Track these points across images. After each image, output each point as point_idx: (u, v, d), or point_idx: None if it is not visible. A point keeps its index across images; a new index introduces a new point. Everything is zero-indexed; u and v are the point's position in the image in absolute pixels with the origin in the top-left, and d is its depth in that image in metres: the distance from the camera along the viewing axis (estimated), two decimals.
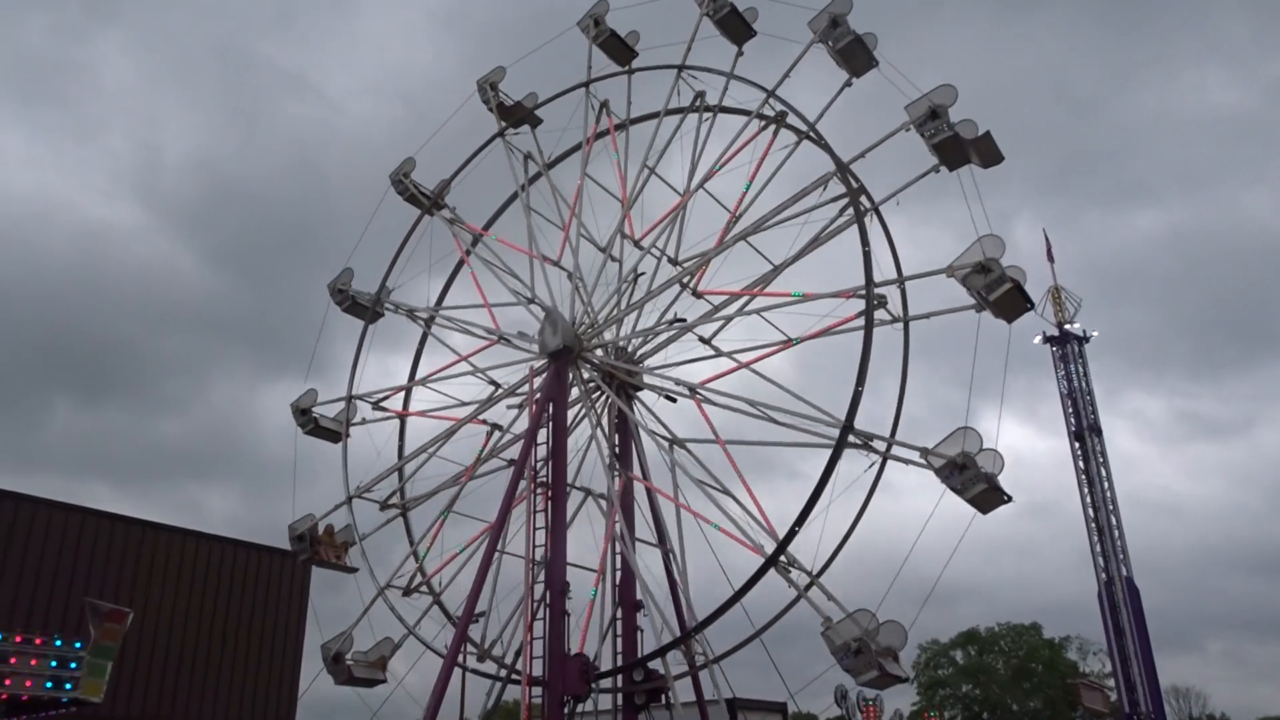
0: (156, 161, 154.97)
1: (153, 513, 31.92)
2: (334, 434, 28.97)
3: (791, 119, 24.92)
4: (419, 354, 30.31)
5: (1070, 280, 67.97)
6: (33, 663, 11.26)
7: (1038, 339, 65.22)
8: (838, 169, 23.23)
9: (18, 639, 11.41)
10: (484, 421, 28.02)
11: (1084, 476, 62.04)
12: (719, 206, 26.12)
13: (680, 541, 24.61)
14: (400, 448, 29.43)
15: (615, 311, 26.86)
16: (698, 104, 27.11)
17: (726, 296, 25.70)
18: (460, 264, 30.29)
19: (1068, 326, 65.44)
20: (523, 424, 26.66)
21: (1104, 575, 59.73)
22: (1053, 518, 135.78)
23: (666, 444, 24.99)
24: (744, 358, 25.29)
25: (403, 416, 29.59)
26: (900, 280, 22.93)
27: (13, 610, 26.74)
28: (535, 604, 22.62)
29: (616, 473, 26.00)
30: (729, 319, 25.55)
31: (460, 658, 24.45)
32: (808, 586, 20.43)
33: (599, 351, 26.72)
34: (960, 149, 21.60)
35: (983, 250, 20.15)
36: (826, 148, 23.65)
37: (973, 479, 18.87)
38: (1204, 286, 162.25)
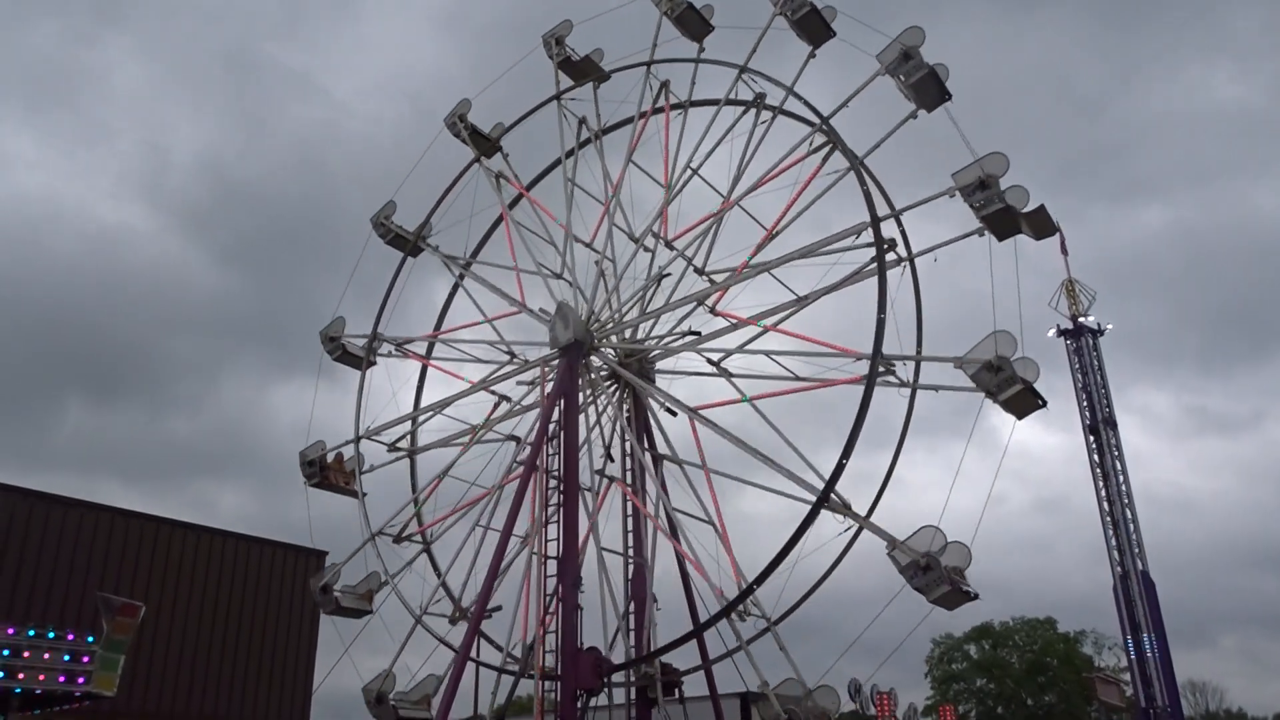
0: (165, 163, 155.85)
1: (165, 511, 32.07)
2: (357, 360, 29.51)
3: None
4: (448, 302, 30.55)
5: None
6: (45, 656, 11.31)
7: (1052, 332, 64.86)
8: (871, 220, 22.30)
9: (30, 633, 11.45)
10: (493, 392, 28.22)
11: (1099, 470, 61.74)
12: (752, 220, 25.61)
13: (652, 553, 24.63)
14: (418, 394, 29.75)
15: (632, 314, 26.70)
16: (757, 103, 26.09)
17: (741, 322, 25.23)
18: (499, 220, 30.27)
19: (1082, 319, 65.06)
20: (529, 401, 26.84)
21: (1119, 569, 59.43)
22: (1062, 513, 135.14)
23: (655, 461, 25.16)
24: (749, 384, 24.82)
25: (425, 363, 29.84)
26: (917, 357, 22.03)
27: (29, 606, 26.86)
28: (548, 598, 22.64)
29: (605, 477, 26.13)
30: (730, 353, 25.11)
31: (474, 652, 24.52)
32: (753, 638, 20.55)
33: (610, 349, 26.65)
34: (1011, 222, 20.37)
35: (995, 346, 19.33)
36: (868, 196, 22.51)
37: (935, 580, 18.41)
38: (1212, 282, 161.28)
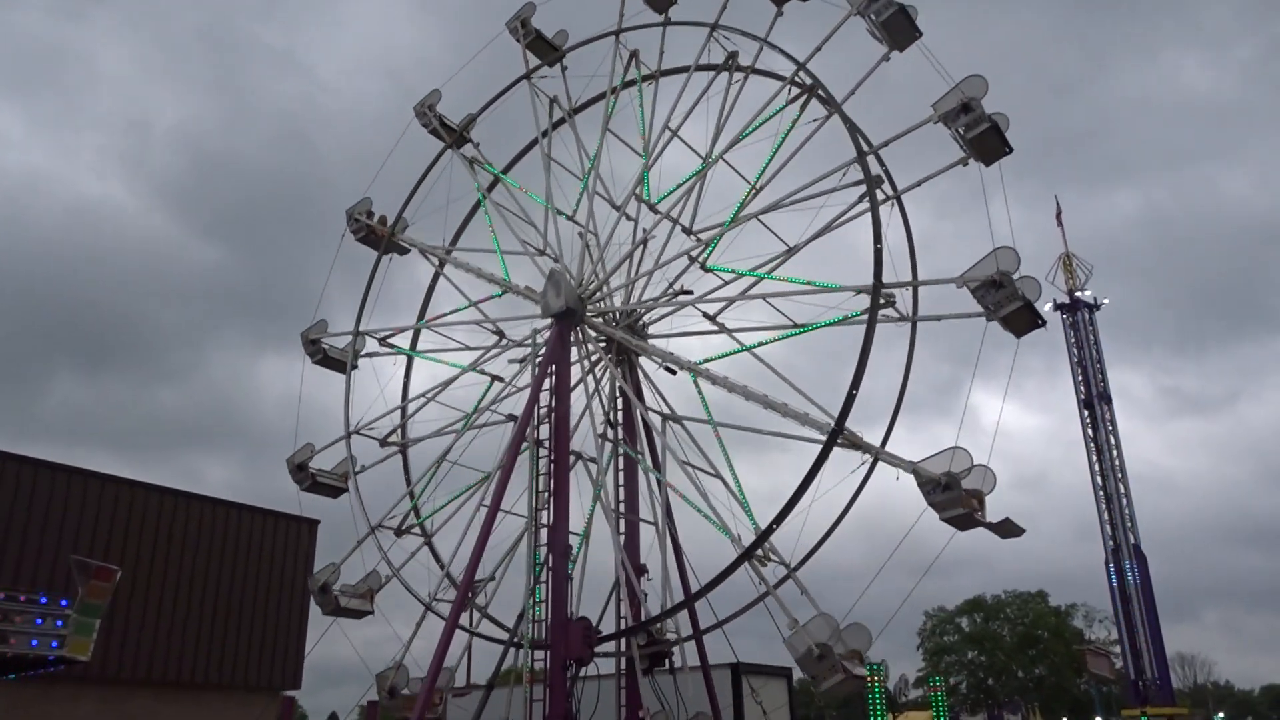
0: (148, 139, 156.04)
1: (154, 482, 31.87)
2: (340, 364, 29.14)
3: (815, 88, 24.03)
4: (429, 294, 30.07)
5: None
6: (16, 620, 11.13)
7: (1047, 306, 64.61)
8: (858, 155, 22.02)
9: (0, 596, 11.25)
10: (485, 372, 27.91)
11: (1093, 445, 61.73)
12: (737, 177, 25.19)
13: (663, 516, 24.24)
14: (405, 385, 29.30)
15: (623, 278, 26.35)
16: (729, 64, 25.95)
17: (734, 276, 24.98)
18: (476, 206, 29.80)
19: (1079, 294, 64.77)
20: (523, 379, 26.52)
21: (1111, 543, 59.58)
22: (1040, 491, 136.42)
23: (660, 420, 24.76)
24: (747, 338, 24.57)
25: (409, 355, 29.45)
26: (915, 283, 21.69)
27: (16, 572, 26.70)
28: (537, 568, 22.52)
29: (609, 440, 25.78)
30: (732, 301, 24.76)
31: (467, 621, 24.45)
32: (779, 583, 20.18)
33: (602, 316, 26.34)
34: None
35: (996, 263, 19.04)
36: (852, 131, 22.25)
37: (952, 500, 18.28)
38: (1186, 265, 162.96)
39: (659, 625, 22.87)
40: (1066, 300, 64.58)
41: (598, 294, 26.34)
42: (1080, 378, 62.80)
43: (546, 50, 29.38)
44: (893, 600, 20.21)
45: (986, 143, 20.60)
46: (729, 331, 24.88)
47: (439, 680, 24.56)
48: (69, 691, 26.92)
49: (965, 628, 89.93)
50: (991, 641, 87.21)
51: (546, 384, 24.31)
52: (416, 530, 27.42)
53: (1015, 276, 19.17)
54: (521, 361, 26.85)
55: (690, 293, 25.52)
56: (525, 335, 27.15)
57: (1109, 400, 62.35)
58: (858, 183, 22.11)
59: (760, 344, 24.06)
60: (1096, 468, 61.09)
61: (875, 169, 22.33)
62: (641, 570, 24.47)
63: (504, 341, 27.89)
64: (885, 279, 20.66)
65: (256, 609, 33.17)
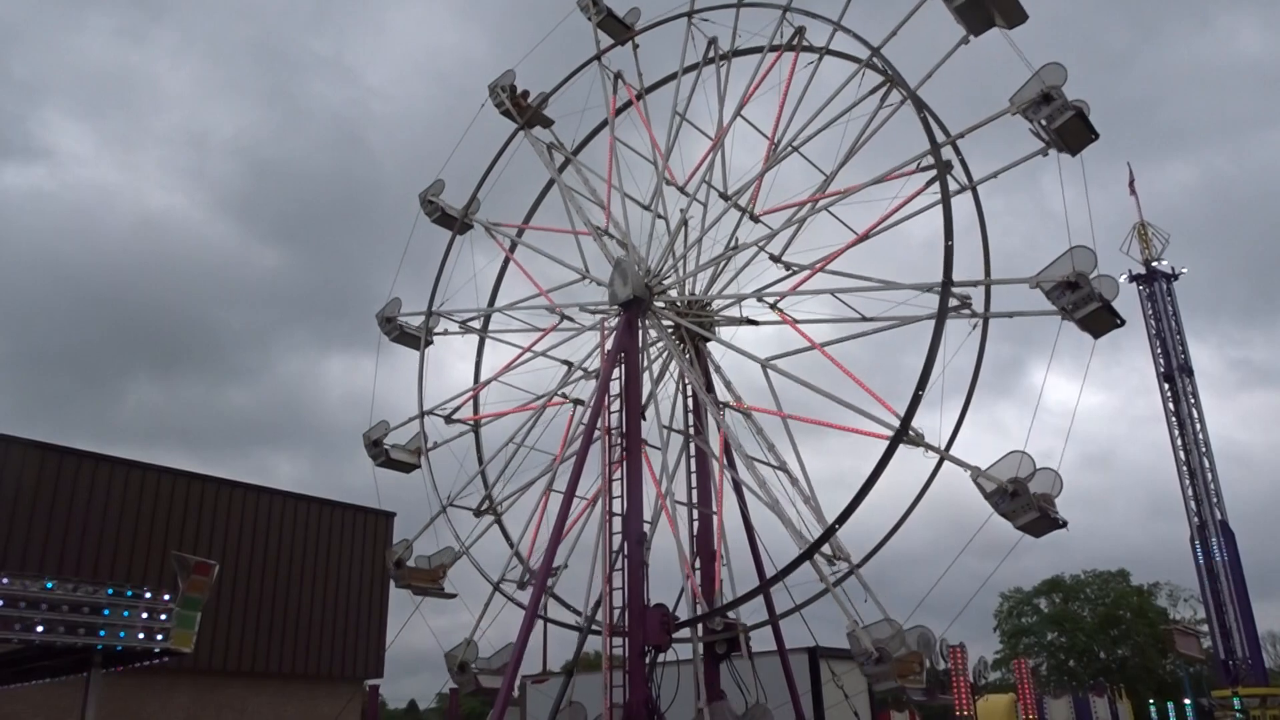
0: (210, 150, 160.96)
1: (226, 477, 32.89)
2: (415, 340, 29.60)
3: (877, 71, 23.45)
4: (499, 280, 30.30)
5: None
6: (125, 615, 11.58)
7: (1122, 278, 62.81)
8: (931, 144, 21.07)
9: (109, 592, 11.72)
10: (552, 357, 28.17)
11: (1174, 419, 59.99)
12: (801, 169, 24.76)
13: (735, 503, 24.30)
14: (477, 366, 29.67)
15: (697, 280, 26.23)
16: (796, 42, 25.27)
17: (800, 269, 24.54)
18: (548, 186, 29.79)
19: (1155, 264, 62.84)
20: (591, 365, 26.68)
21: (1196, 520, 57.90)
22: (1108, 470, 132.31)
23: (722, 409, 24.62)
24: (813, 333, 24.15)
25: (482, 335, 29.73)
26: (987, 281, 20.82)
27: (112, 567, 27.78)
28: (613, 555, 22.63)
29: (676, 431, 25.80)
30: (785, 294, 24.44)
31: (541, 609, 24.67)
32: (840, 579, 19.98)
33: (671, 295, 26.30)
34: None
35: (1072, 263, 18.40)
36: (925, 121, 21.12)
37: (1023, 506, 17.74)
38: (1250, 233, 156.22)
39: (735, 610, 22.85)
40: (1142, 271, 62.71)
41: (666, 285, 26.26)
42: (1159, 350, 61.04)
43: (617, 28, 29.15)
44: (962, 583, 19.85)
45: (1072, 131, 19.58)
46: (796, 325, 24.42)
47: (443, 557, 25.76)
48: (166, 681, 27.97)
49: (1044, 609, 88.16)
50: (1071, 622, 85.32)
51: (615, 372, 24.37)
52: (469, 421, 28.17)
53: (1091, 276, 18.36)
54: (598, 319, 26.84)
55: (755, 323, 25.35)
56: (593, 318, 27.21)
57: (1190, 373, 60.52)
58: (928, 168, 21.48)
59: (828, 343, 23.68)
60: (1179, 442, 59.38)
61: (949, 157, 21.54)
62: (715, 556, 24.48)
63: (571, 325, 27.92)
64: (955, 275, 20.00)
65: (339, 600, 34.01)
